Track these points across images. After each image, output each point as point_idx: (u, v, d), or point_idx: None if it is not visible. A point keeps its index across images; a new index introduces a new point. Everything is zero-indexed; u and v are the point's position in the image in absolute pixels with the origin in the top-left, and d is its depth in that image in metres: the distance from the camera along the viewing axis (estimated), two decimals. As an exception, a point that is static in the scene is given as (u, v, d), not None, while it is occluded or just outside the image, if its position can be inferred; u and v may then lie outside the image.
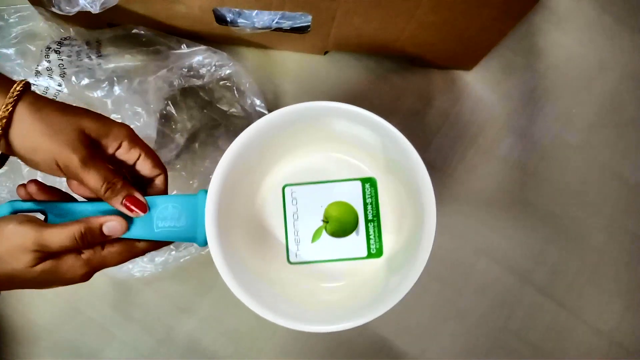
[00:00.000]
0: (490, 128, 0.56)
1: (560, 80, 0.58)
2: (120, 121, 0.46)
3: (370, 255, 0.42)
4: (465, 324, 0.54)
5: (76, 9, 0.40)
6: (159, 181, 0.38)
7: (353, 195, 0.43)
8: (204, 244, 0.37)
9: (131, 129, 0.37)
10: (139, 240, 0.36)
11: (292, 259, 0.43)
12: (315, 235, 0.43)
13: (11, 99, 0.31)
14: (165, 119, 0.51)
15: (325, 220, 0.43)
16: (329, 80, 0.56)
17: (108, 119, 0.35)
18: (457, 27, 0.46)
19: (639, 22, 0.58)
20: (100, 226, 0.34)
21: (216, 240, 0.36)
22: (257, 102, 0.50)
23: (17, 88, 0.32)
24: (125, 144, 0.36)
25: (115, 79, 0.48)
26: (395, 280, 0.38)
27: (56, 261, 0.33)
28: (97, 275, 0.52)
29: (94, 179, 0.33)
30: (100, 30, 0.50)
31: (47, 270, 0.33)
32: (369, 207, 0.43)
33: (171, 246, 0.49)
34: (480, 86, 0.57)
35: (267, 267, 0.42)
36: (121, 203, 0.35)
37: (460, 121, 0.56)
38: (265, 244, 0.43)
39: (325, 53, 0.56)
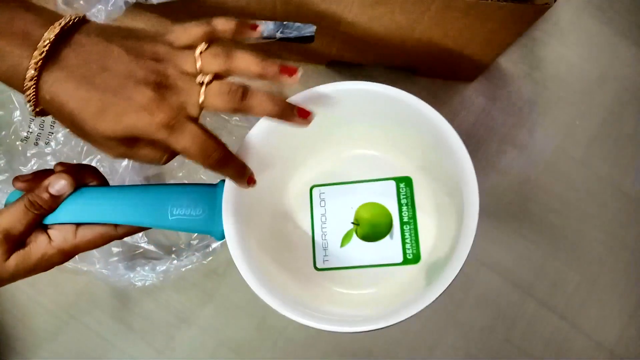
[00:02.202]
0: (492, 140, 0.56)
1: (561, 93, 0.58)
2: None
3: (406, 261, 0.38)
4: (465, 336, 0.54)
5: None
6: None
7: (387, 196, 0.39)
8: (221, 237, 0.34)
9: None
10: (116, 225, 0.34)
11: (319, 264, 0.39)
12: (345, 239, 0.39)
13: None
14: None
15: (356, 223, 0.39)
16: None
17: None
18: (459, 40, 0.47)
19: (639, 34, 0.59)
20: (46, 188, 0.32)
21: (234, 234, 0.33)
22: (260, 111, 0.50)
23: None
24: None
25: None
26: (430, 287, 0.34)
27: (26, 250, 0.32)
28: (97, 284, 0.52)
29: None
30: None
31: (21, 262, 0.32)
32: (405, 208, 0.39)
33: (172, 255, 0.48)
34: (482, 98, 0.57)
35: (291, 274, 0.38)
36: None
37: (462, 132, 0.56)
38: (289, 248, 0.39)
39: (329, 63, 0.56)
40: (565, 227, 0.56)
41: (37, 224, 0.33)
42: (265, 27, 0.47)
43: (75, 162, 0.48)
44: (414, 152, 0.38)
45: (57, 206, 0.33)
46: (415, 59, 0.52)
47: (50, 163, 0.47)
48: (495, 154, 0.56)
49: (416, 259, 0.38)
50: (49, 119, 0.47)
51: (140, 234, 0.48)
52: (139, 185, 0.35)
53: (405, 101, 0.34)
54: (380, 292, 0.38)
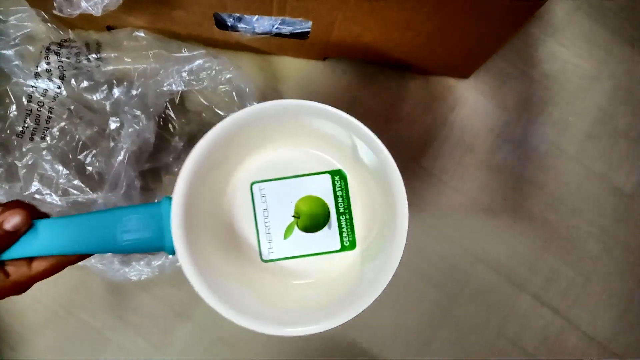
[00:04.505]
0: (487, 136, 0.57)
1: (555, 90, 0.58)
2: (118, 124, 0.46)
3: (343, 247, 0.42)
4: (460, 330, 0.54)
5: (78, 11, 0.40)
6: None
7: (323, 189, 0.42)
8: (172, 252, 0.35)
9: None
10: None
11: (265, 256, 0.42)
12: (287, 232, 0.42)
13: None
14: (163, 122, 0.51)
15: (297, 216, 0.42)
16: (327, 86, 0.56)
17: None
18: (455, 36, 0.47)
19: (633, 33, 0.59)
20: (1, 225, 0.31)
21: (184, 247, 0.34)
22: (256, 107, 0.50)
23: None
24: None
25: (114, 81, 0.48)
26: (371, 272, 0.37)
27: None
28: (93, 279, 0.52)
29: None
30: (100, 33, 0.50)
31: None
32: (340, 200, 0.42)
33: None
34: (477, 94, 0.57)
35: (241, 268, 0.41)
36: None
37: (457, 129, 0.57)
38: (236, 244, 0.42)
39: (325, 59, 0.56)
40: (559, 222, 0.56)
41: None
42: (261, 23, 0.47)
43: (70, 156, 0.48)
44: (345, 148, 0.41)
45: (14, 243, 0.32)
46: (411, 55, 0.52)
47: (47, 158, 0.47)
48: (490, 150, 0.56)
49: (352, 245, 0.42)
50: (44, 113, 0.47)
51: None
52: (87, 213, 0.35)
53: (329, 112, 0.36)
54: (322, 277, 0.42)
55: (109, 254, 0.47)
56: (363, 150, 0.39)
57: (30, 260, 0.33)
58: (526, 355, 0.54)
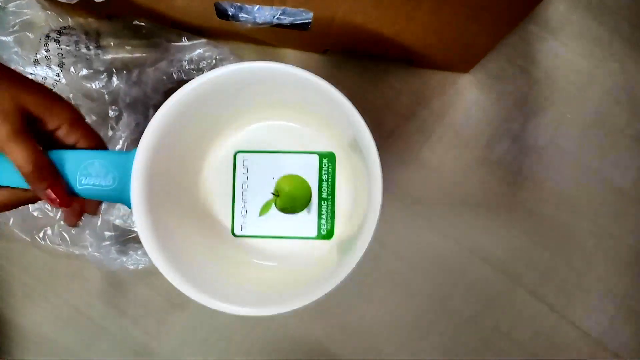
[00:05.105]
0: (485, 130, 0.57)
1: (553, 87, 0.58)
2: (117, 113, 0.46)
3: (320, 236, 0.39)
4: (454, 324, 0.54)
5: (78, -2, 0.40)
6: None
7: (309, 170, 0.39)
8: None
9: (76, 111, 0.34)
10: (26, 189, 0.33)
11: (236, 231, 0.39)
12: (264, 209, 0.39)
13: None
14: (162, 112, 0.51)
15: (276, 194, 0.39)
16: (327, 78, 0.55)
17: (52, 94, 0.33)
18: (455, 29, 0.47)
19: (632, 31, 0.59)
20: None
21: (142, 203, 0.33)
22: (256, 97, 0.50)
23: None
24: (65, 127, 0.34)
25: (113, 70, 0.47)
26: (340, 266, 0.35)
27: None
28: (89, 268, 0.52)
29: (21, 155, 0.31)
30: (100, 21, 0.50)
31: None
32: (325, 184, 0.39)
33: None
34: (476, 89, 0.58)
35: (209, 241, 0.38)
36: (43, 193, 0.32)
37: (456, 123, 0.57)
38: (208, 214, 0.39)
39: (325, 52, 0.56)
40: (556, 218, 0.56)
41: None
42: (262, 13, 0.47)
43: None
44: (337, 129, 0.38)
45: None
46: (411, 49, 0.52)
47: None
48: (488, 146, 0.57)
49: (329, 234, 0.39)
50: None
51: (132, 218, 0.48)
52: (50, 150, 0.34)
53: (310, 81, 0.34)
54: (292, 264, 0.39)
55: (107, 242, 0.47)
56: (350, 130, 0.36)
57: None
58: (521, 349, 0.54)
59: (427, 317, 0.54)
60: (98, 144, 0.35)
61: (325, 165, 0.40)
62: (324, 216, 0.39)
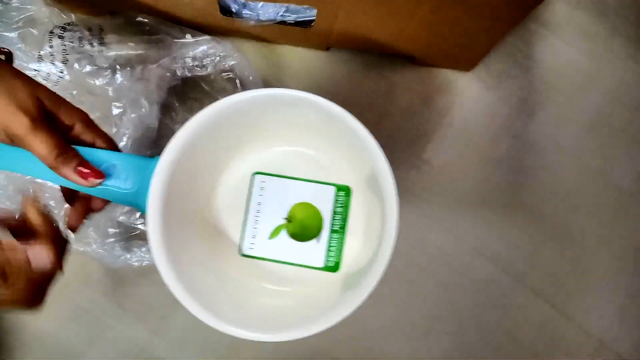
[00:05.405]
0: (487, 129, 0.57)
1: (555, 85, 0.58)
2: (121, 109, 0.46)
3: (326, 267, 0.39)
4: (457, 322, 0.54)
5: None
6: None
7: (323, 200, 0.39)
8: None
9: (87, 114, 0.35)
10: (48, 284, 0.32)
11: (244, 251, 0.39)
12: (274, 232, 0.40)
13: None
14: (165, 108, 0.51)
15: (289, 220, 0.40)
16: (329, 76, 0.56)
17: (64, 99, 0.34)
18: (457, 28, 0.47)
19: (632, 30, 0.60)
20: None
21: (157, 212, 0.33)
22: (259, 95, 0.50)
23: None
24: (79, 126, 0.34)
25: (117, 66, 0.47)
26: (344, 300, 0.34)
27: None
28: (93, 264, 0.52)
29: (44, 144, 0.31)
30: (103, 18, 0.50)
31: None
32: (337, 216, 0.39)
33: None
34: (478, 88, 0.58)
35: (216, 256, 0.39)
36: (74, 171, 0.32)
37: (457, 122, 0.57)
38: (220, 229, 0.39)
39: (328, 49, 0.56)
40: (557, 217, 0.56)
41: None
42: (266, 10, 0.47)
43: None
44: (356, 162, 0.38)
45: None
46: (414, 46, 0.52)
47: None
48: (490, 144, 0.57)
49: (335, 267, 0.39)
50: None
51: (137, 215, 0.48)
52: (75, 146, 0.34)
53: (326, 108, 0.34)
54: (297, 290, 0.39)
55: (111, 239, 0.47)
56: (367, 165, 0.36)
57: None
58: (523, 348, 0.54)
59: (430, 316, 0.54)
60: (114, 146, 0.36)
61: (340, 198, 0.40)
62: (332, 248, 0.40)
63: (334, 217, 0.39)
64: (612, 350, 0.55)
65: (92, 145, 0.35)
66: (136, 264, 0.47)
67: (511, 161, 0.57)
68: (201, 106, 0.52)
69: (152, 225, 0.33)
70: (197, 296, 0.33)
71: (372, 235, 0.38)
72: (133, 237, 0.48)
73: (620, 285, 0.56)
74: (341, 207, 0.40)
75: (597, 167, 0.57)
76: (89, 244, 0.47)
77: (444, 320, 0.54)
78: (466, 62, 0.56)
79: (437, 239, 0.55)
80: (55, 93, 0.33)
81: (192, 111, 0.52)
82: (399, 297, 0.54)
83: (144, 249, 0.46)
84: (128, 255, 0.46)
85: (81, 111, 0.34)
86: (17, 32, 0.46)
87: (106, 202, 0.36)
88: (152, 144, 0.49)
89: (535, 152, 0.57)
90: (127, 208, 0.47)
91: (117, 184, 0.34)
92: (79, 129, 0.34)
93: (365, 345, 0.53)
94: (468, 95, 0.57)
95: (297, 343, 0.53)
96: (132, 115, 0.47)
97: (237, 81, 0.49)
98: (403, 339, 0.54)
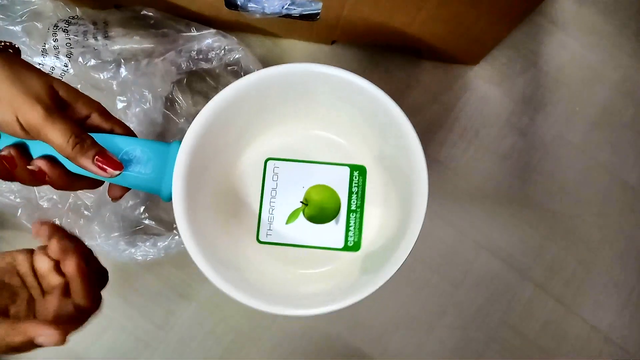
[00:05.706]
0: (493, 124, 0.57)
1: (562, 81, 0.58)
2: (125, 103, 0.46)
3: (346, 247, 0.39)
4: (462, 317, 0.54)
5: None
6: None
7: (339, 182, 0.39)
8: (169, 198, 0.34)
9: (101, 104, 0.35)
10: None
11: (262, 237, 0.39)
12: (291, 217, 0.39)
13: None
14: (170, 102, 0.51)
15: (305, 203, 0.39)
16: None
17: (78, 90, 0.34)
18: (464, 21, 0.47)
19: (639, 26, 0.59)
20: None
21: (182, 197, 0.33)
22: (264, 89, 0.50)
23: None
24: (95, 115, 0.34)
25: (122, 60, 0.47)
26: (369, 276, 0.35)
27: None
28: (99, 259, 0.52)
29: (60, 132, 0.30)
30: (107, 11, 0.50)
31: None
32: (354, 196, 0.39)
33: (174, 230, 0.48)
34: (484, 83, 0.57)
35: (234, 243, 0.38)
36: (92, 161, 0.32)
37: (464, 116, 0.57)
38: (236, 216, 0.39)
39: (333, 43, 0.56)
40: (564, 212, 0.56)
41: None
42: (271, 3, 0.47)
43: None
44: (372, 140, 0.38)
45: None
46: (420, 40, 0.52)
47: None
48: (496, 138, 0.56)
49: (356, 247, 0.39)
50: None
51: (141, 209, 0.48)
52: (96, 134, 0.34)
53: (359, 85, 0.34)
54: (317, 273, 0.39)
55: (115, 234, 0.47)
56: (391, 141, 0.36)
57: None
58: (528, 343, 0.54)
59: (435, 310, 0.54)
60: (131, 133, 0.36)
61: (355, 177, 0.40)
62: (351, 228, 0.39)
63: (350, 196, 0.39)
64: (618, 346, 0.55)
65: (112, 132, 0.34)
66: (140, 258, 0.47)
67: (517, 156, 0.56)
68: (206, 100, 0.52)
69: (179, 210, 0.33)
70: (228, 277, 0.33)
71: (392, 210, 0.38)
72: (138, 232, 0.48)
73: (626, 281, 0.56)
74: (357, 186, 0.40)
75: (604, 162, 0.57)
76: (93, 238, 0.47)
77: (449, 315, 0.54)
78: (472, 56, 0.56)
79: (442, 233, 0.55)
80: (69, 84, 0.33)
81: (197, 105, 0.51)
82: (404, 292, 0.54)
83: (148, 243, 0.46)
84: (133, 250, 0.46)
85: (96, 101, 0.34)
86: (21, 25, 0.46)
87: (124, 190, 0.36)
88: (157, 138, 0.49)
89: (542, 147, 0.57)
90: (131, 202, 0.47)
91: (138, 169, 0.34)
92: (95, 118, 0.34)
93: (370, 341, 0.53)
94: (474, 91, 0.57)
95: (298, 341, 0.53)
96: (137, 110, 0.46)
97: (242, 74, 0.49)
98: (408, 334, 0.54)
